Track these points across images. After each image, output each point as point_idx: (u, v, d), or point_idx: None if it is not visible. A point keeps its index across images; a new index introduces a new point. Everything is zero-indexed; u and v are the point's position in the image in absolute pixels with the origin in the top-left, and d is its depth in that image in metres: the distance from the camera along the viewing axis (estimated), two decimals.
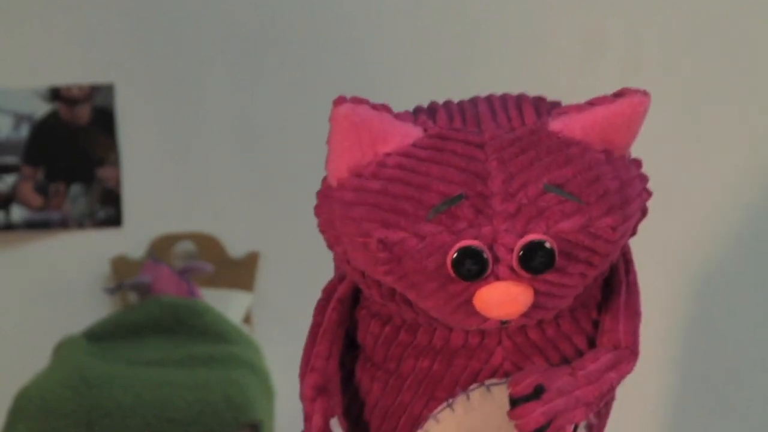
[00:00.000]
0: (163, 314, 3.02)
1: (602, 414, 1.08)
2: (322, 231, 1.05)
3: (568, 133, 0.98)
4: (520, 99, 1.05)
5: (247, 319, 3.38)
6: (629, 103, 1.00)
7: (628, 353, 1.04)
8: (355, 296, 1.10)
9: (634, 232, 1.04)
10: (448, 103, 1.05)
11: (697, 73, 3.41)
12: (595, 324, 1.06)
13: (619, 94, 1.01)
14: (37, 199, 3.46)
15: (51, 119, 3.45)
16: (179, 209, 3.49)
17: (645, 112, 1.00)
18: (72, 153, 3.46)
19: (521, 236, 0.94)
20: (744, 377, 3.36)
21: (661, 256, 3.32)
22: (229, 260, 3.44)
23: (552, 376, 1.00)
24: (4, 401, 2.81)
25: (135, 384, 2.72)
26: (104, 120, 3.45)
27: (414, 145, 0.98)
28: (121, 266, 3.42)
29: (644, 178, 1.02)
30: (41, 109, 3.45)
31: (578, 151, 0.97)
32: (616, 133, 0.99)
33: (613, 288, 1.06)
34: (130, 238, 3.46)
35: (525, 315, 0.98)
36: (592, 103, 1.01)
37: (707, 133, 3.42)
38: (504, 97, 1.06)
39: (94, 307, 3.42)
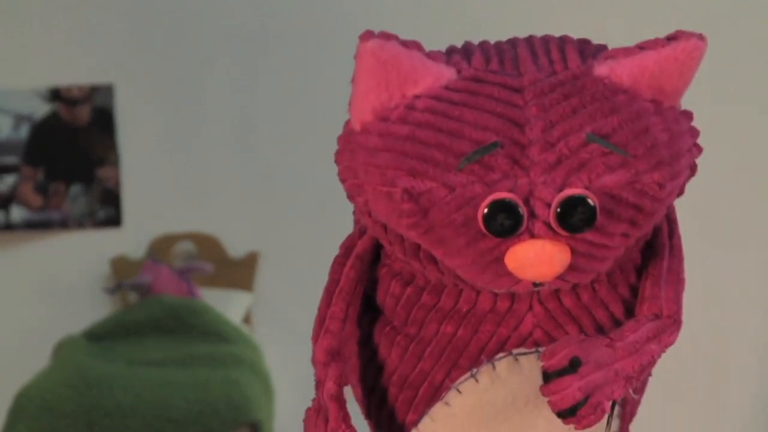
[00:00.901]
0: (163, 314, 3.02)
1: (638, 389, 1.00)
2: (343, 180, 0.94)
3: (615, 78, 0.89)
4: (564, 41, 0.94)
5: (247, 319, 3.38)
6: (683, 47, 0.89)
7: (670, 322, 0.95)
8: (376, 253, 1.00)
9: (681, 191, 0.94)
10: (484, 44, 0.95)
11: (696, 73, 3.41)
12: (634, 290, 0.97)
13: (672, 37, 0.90)
14: (37, 199, 3.46)
15: (51, 119, 3.45)
16: (179, 209, 3.49)
17: (700, 59, 0.92)
18: (72, 153, 3.46)
19: (560, 190, 0.86)
20: None
21: None
22: (229, 260, 3.44)
23: (589, 347, 0.91)
24: (4, 401, 2.82)
25: (135, 384, 2.73)
26: (104, 120, 3.45)
27: (446, 87, 0.89)
28: (121, 266, 3.42)
29: (695, 132, 0.94)
30: (41, 109, 3.45)
31: (625, 99, 0.88)
32: (667, 80, 0.90)
33: (656, 251, 0.97)
34: (130, 238, 3.46)
35: (560, 278, 0.89)
36: (642, 47, 0.89)
37: (707, 133, 3.42)
38: (546, 39, 0.95)
39: (94, 307, 3.42)
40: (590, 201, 0.86)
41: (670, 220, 0.99)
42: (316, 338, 1.03)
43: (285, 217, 3.45)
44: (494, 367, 0.96)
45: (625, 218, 0.89)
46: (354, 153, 0.92)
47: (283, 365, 3.30)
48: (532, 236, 0.87)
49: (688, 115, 0.94)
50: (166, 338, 2.98)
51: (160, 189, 3.48)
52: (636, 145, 0.87)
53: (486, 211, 0.86)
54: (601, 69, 0.89)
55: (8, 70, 3.46)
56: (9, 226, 3.46)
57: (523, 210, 0.86)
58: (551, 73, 0.90)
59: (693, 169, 0.95)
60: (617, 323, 0.96)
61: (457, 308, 0.96)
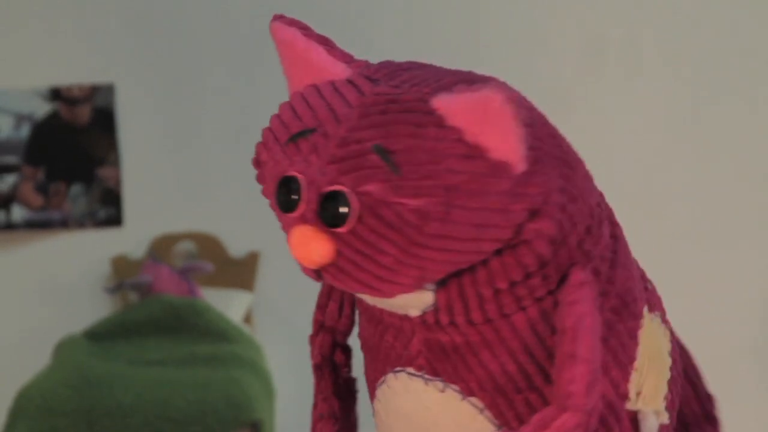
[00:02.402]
0: (163, 314, 3.02)
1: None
2: None
3: (444, 112, 0.92)
4: (451, 74, 1.00)
5: (247, 319, 3.38)
6: (479, 96, 0.91)
7: (555, 410, 0.96)
8: None
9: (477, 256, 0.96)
10: (405, 63, 1.04)
11: (697, 73, 3.41)
12: (529, 345, 0.99)
13: (480, 86, 0.92)
14: (37, 199, 3.46)
15: (51, 119, 3.45)
16: (179, 209, 3.49)
17: (501, 111, 0.91)
18: (72, 153, 3.46)
19: (330, 184, 0.92)
20: None
21: (655, 252, 3.32)
22: (229, 260, 3.44)
23: None
24: (4, 401, 2.82)
25: (136, 383, 2.73)
26: (104, 120, 3.45)
27: (330, 81, 1.00)
28: (121, 266, 3.42)
29: (521, 198, 0.94)
30: (42, 109, 3.45)
31: (435, 132, 0.91)
32: (478, 125, 0.91)
33: (559, 334, 0.98)
34: (130, 238, 3.46)
35: (332, 277, 0.96)
36: (471, 89, 0.92)
37: (707, 133, 3.42)
38: (441, 71, 1.01)
39: (94, 307, 3.42)
40: (345, 200, 0.92)
41: (574, 297, 0.99)
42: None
43: None
44: (396, 377, 1.04)
45: (391, 238, 0.92)
46: None
47: (283, 365, 3.30)
48: (305, 221, 0.94)
49: (522, 181, 0.94)
50: (167, 338, 2.98)
51: (160, 189, 3.48)
52: (411, 170, 0.91)
53: (277, 183, 0.96)
54: (437, 101, 0.93)
55: (8, 70, 3.46)
56: (9, 226, 3.46)
57: (303, 192, 0.93)
58: (400, 92, 0.95)
59: (493, 240, 0.95)
60: (507, 372, 0.99)
61: (377, 311, 1.03)
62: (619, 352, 1.03)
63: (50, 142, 3.46)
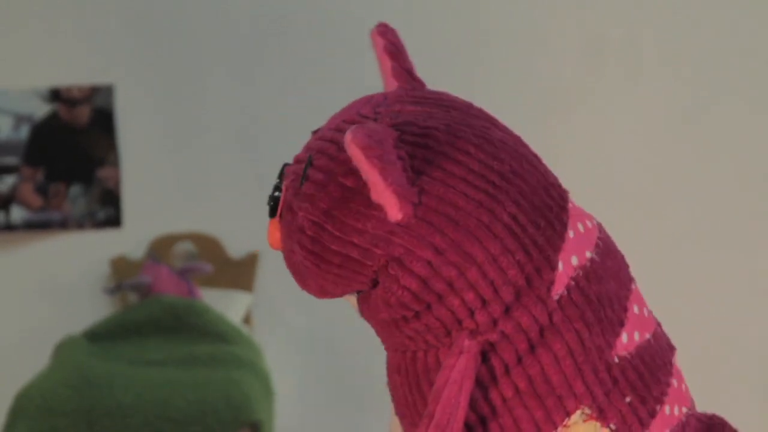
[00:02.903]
0: (163, 314, 3.02)
1: None
2: None
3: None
4: (435, 117, 1.11)
5: (247, 319, 3.38)
6: (346, 136, 1.01)
7: None
8: None
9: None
10: (430, 96, 1.13)
11: (696, 73, 3.41)
12: (419, 388, 1.08)
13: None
14: (37, 200, 3.46)
15: (51, 120, 3.45)
16: (179, 209, 3.49)
17: (354, 155, 1.00)
18: (72, 153, 3.46)
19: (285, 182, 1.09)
20: None
21: (655, 253, 3.31)
22: (229, 260, 3.44)
23: None
24: (4, 401, 2.82)
25: (135, 384, 2.73)
26: (104, 120, 3.45)
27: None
28: (121, 266, 3.42)
29: (371, 254, 1.04)
30: (41, 109, 3.45)
31: (344, 160, 1.04)
32: (357, 162, 1.02)
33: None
34: (130, 239, 3.46)
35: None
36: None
37: (707, 133, 3.42)
38: (444, 114, 1.10)
39: (94, 307, 3.42)
40: (279, 194, 1.08)
41: (448, 366, 1.04)
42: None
43: None
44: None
45: (294, 239, 1.06)
46: None
47: (283, 365, 3.30)
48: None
49: (391, 229, 1.02)
50: (167, 338, 2.98)
51: (160, 189, 3.48)
52: (309, 185, 1.05)
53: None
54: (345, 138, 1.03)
55: (8, 70, 3.46)
56: (9, 227, 3.46)
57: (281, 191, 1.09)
58: (368, 118, 1.08)
59: (377, 273, 1.05)
60: (407, 403, 1.09)
61: None
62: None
63: (50, 142, 3.45)
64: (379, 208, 1.00)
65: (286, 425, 3.21)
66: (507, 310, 1.03)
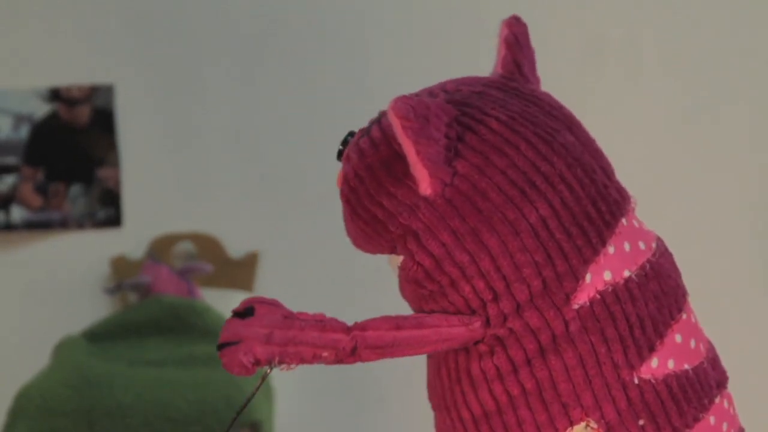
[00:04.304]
0: (163, 314, 3.02)
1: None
2: None
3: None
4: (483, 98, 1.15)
5: None
6: (389, 107, 1.06)
7: (343, 327, 1.11)
8: None
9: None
10: (481, 81, 1.24)
11: (696, 74, 3.41)
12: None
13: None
14: (37, 200, 3.46)
15: (51, 120, 3.45)
16: (179, 209, 3.49)
17: (397, 128, 1.03)
18: (72, 153, 3.46)
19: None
20: None
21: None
22: (229, 260, 3.44)
23: (271, 308, 1.14)
24: (4, 401, 2.82)
25: (135, 384, 2.72)
26: (104, 120, 3.45)
27: None
28: (121, 266, 3.42)
29: (394, 220, 1.08)
30: (41, 109, 3.45)
31: (379, 135, 1.09)
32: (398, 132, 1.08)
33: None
34: (130, 238, 3.46)
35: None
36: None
37: (706, 133, 3.42)
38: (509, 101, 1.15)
39: (94, 307, 3.42)
40: (347, 140, 1.14)
41: (440, 319, 1.08)
42: None
43: (285, 217, 3.45)
44: None
45: (341, 187, 1.12)
46: None
47: None
48: None
49: (418, 202, 1.06)
50: (167, 338, 2.98)
51: (160, 189, 3.48)
52: (366, 140, 1.11)
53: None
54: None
55: (8, 70, 3.46)
56: (9, 227, 3.46)
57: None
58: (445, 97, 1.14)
59: (396, 240, 1.09)
60: (439, 376, 1.12)
61: None
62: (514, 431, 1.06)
63: (50, 142, 3.45)
64: (414, 179, 1.04)
65: (286, 425, 3.21)
66: (518, 309, 1.04)
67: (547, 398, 1.04)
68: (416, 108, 1.01)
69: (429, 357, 1.12)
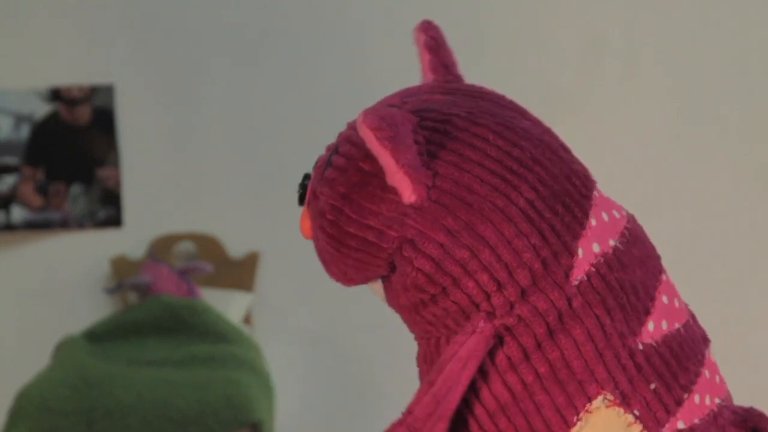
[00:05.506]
0: (163, 314, 3.02)
1: None
2: None
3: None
4: (437, 101, 1.13)
5: (247, 319, 3.38)
6: (358, 120, 1.04)
7: (395, 422, 1.07)
8: None
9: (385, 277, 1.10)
10: (457, 88, 1.17)
11: (696, 74, 3.41)
12: None
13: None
14: (37, 200, 3.46)
15: (51, 120, 3.45)
16: (179, 209, 3.49)
17: (366, 137, 1.02)
18: (72, 153, 3.46)
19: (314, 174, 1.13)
20: None
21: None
22: (229, 260, 3.44)
23: None
24: (4, 401, 2.82)
25: (135, 384, 2.73)
26: (104, 120, 3.45)
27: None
28: (121, 266, 3.42)
29: (385, 236, 1.06)
30: (41, 109, 3.45)
31: (362, 146, 1.05)
32: (371, 147, 1.04)
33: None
34: (130, 238, 3.46)
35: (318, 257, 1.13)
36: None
37: (706, 134, 3.42)
38: (465, 101, 1.14)
39: (94, 307, 3.42)
40: (305, 184, 1.11)
41: (457, 342, 1.06)
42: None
43: (285, 217, 3.44)
44: None
45: (319, 225, 1.09)
46: None
47: (283, 365, 3.30)
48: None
49: (405, 211, 1.05)
50: (167, 338, 2.98)
51: (160, 189, 3.48)
52: (330, 171, 1.08)
53: None
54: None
55: (8, 70, 3.46)
56: (9, 226, 3.46)
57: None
58: (390, 107, 1.08)
59: (392, 256, 1.07)
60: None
61: None
62: (534, 418, 1.06)
63: (50, 142, 3.45)
64: (394, 191, 1.03)
65: (286, 425, 3.21)
66: (523, 294, 1.04)
67: (562, 378, 1.04)
68: (385, 118, 1.01)
69: (423, 363, 1.11)
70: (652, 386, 1.07)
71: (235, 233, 3.46)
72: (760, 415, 1.14)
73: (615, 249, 1.08)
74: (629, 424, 1.07)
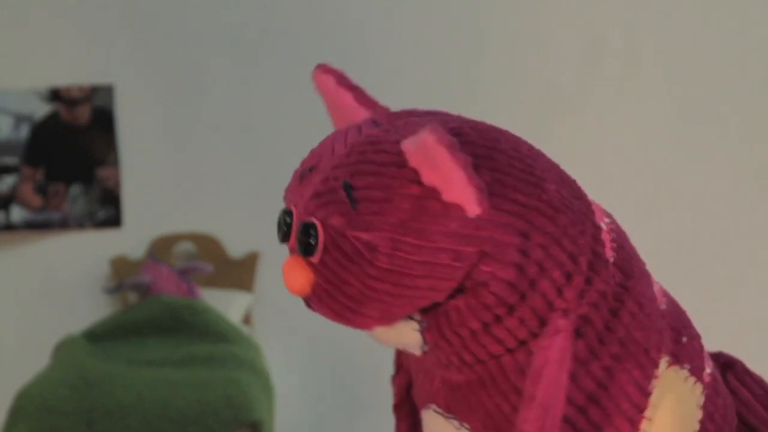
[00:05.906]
0: (163, 314, 3.02)
1: None
2: None
3: (408, 156, 0.98)
4: (446, 120, 1.05)
5: (247, 319, 3.39)
6: (419, 139, 0.95)
7: None
8: None
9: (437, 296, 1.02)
10: (426, 111, 1.09)
11: (696, 74, 3.41)
12: (517, 389, 1.04)
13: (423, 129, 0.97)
14: (37, 200, 3.46)
15: (51, 120, 3.45)
16: (179, 209, 3.49)
17: (436, 154, 0.95)
18: (72, 153, 3.46)
19: (308, 216, 1.01)
20: None
21: (654, 253, 3.31)
22: (229, 260, 3.44)
23: None
24: (4, 401, 2.82)
25: (135, 383, 2.73)
26: (104, 120, 3.45)
27: (353, 125, 1.06)
28: (121, 266, 3.42)
29: (455, 238, 0.99)
30: (41, 109, 3.45)
31: (393, 172, 0.98)
32: (426, 168, 0.97)
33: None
34: (130, 238, 3.46)
35: (313, 303, 1.03)
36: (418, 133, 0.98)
37: (706, 134, 3.42)
38: (457, 118, 1.07)
39: (94, 307, 3.42)
40: (315, 232, 0.99)
41: (544, 347, 1.03)
42: None
43: None
44: (428, 413, 1.11)
45: (350, 270, 0.98)
46: None
47: (283, 365, 3.31)
48: (292, 251, 1.03)
49: (474, 223, 0.99)
50: (166, 338, 2.98)
51: (160, 189, 3.48)
52: (366, 206, 0.98)
53: (279, 215, 1.05)
54: (406, 144, 0.98)
55: (8, 70, 3.46)
56: (9, 227, 3.46)
57: (293, 223, 1.02)
58: (385, 134, 1.01)
59: (469, 274, 1.00)
60: (503, 413, 1.04)
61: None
62: (621, 400, 1.04)
63: (50, 142, 3.46)
64: (454, 207, 0.98)
65: (286, 425, 3.21)
66: (588, 280, 1.04)
67: (634, 352, 1.05)
68: (447, 134, 0.96)
69: (477, 392, 1.06)
70: (684, 339, 1.10)
71: (235, 233, 3.47)
72: (728, 355, 1.20)
73: (612, 222, 1.10)
74: (686, 378, 1.09)
